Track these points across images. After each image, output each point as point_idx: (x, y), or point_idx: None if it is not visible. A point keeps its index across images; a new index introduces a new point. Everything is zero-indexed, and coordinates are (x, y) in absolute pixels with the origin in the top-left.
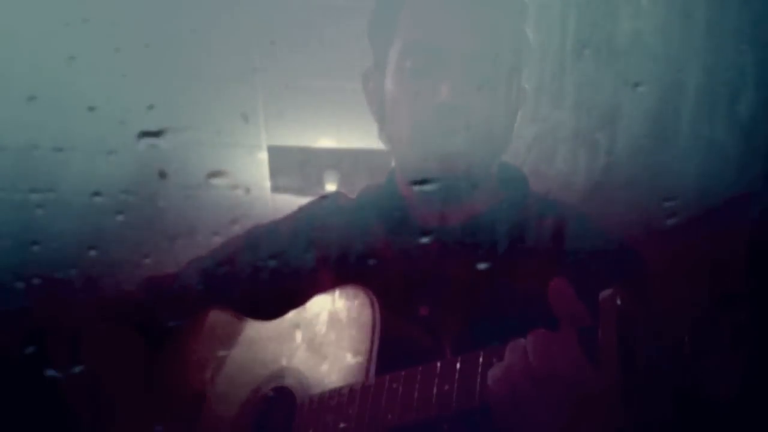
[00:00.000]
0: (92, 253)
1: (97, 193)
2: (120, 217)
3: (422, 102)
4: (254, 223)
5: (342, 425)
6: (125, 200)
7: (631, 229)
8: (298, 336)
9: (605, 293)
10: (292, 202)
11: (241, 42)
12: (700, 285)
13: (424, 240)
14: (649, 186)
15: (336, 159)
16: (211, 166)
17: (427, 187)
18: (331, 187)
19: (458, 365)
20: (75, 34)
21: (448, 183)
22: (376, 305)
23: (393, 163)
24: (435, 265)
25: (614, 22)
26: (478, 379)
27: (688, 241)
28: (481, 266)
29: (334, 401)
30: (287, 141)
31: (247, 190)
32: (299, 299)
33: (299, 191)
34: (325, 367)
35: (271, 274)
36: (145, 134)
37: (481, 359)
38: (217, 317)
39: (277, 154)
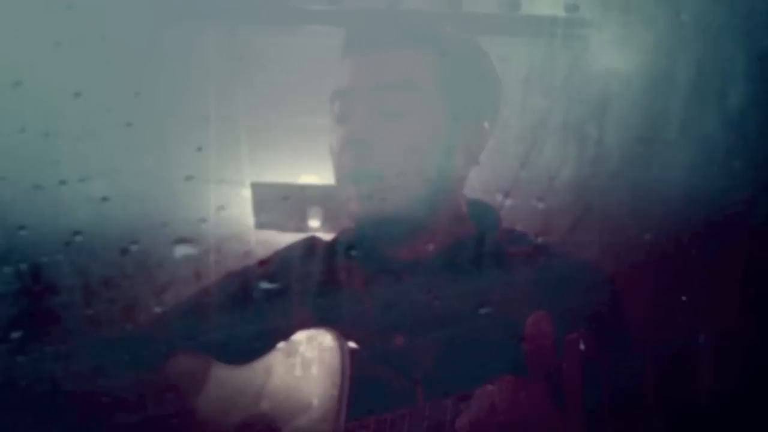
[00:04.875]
0: (78, 238)
1: (82, 179)
2: (106, 204)
3: (340, 144)
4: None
5: None
6: (111, 186)
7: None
8: (268, 382)
9: (569, 337)
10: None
11: (220, 79)
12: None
13: (395, 276)
14: (638, 179)
15: (320, 195)
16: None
17: (371, 231)
18: (314, 223)
19: (427, 412)
20: (60, 21)
21: (385, 224)
22: (346, 349)
23: None
24: (407, 298)
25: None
26: (447, 427)
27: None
28: (452, 300)
29: None
30: (270, 177)
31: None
32: (270, 344)
33: (282, 227)
34: (295, 414)
35: (243, 319)
36: None
37: (450, 406)
38: (186, 362)
39: (260, 191)
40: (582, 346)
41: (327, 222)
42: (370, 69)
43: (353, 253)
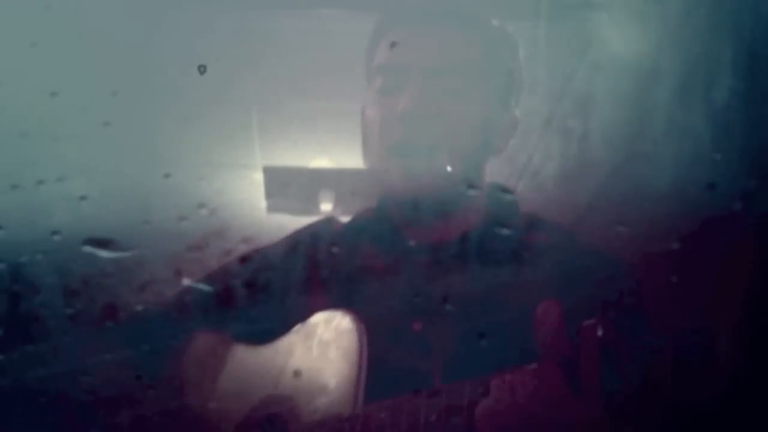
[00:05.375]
0: (56, 238)
1: (60, 179)
2: (84, 202)
3: (386, 116)
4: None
5: None
6: (89, 186)
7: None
8: (288, 362)
9: (586, 323)
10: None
11: (235, 62)
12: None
13: (415, 259)
14: (624, 175)
15: (331, 179)
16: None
17: (407, 208)
18: (326, 207)
19: (444, 395)
20: (37, 21)
21: (424, 201)
22: (364, 331)
23: None
24: (426, 283)
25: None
26: (465, 412)
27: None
28: (471, 283)
29: (324, 429)
30: (282, 161)
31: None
32: (288, 326)
33: (295, 211)
34: (313, 395)
35: (263, 299)
36: None
37: (467, 389)
38: (207, 341)
39: (272, 175)
40: (599, 332)
41: (339, 205)
42: (423, 46)
43: (371, 234)
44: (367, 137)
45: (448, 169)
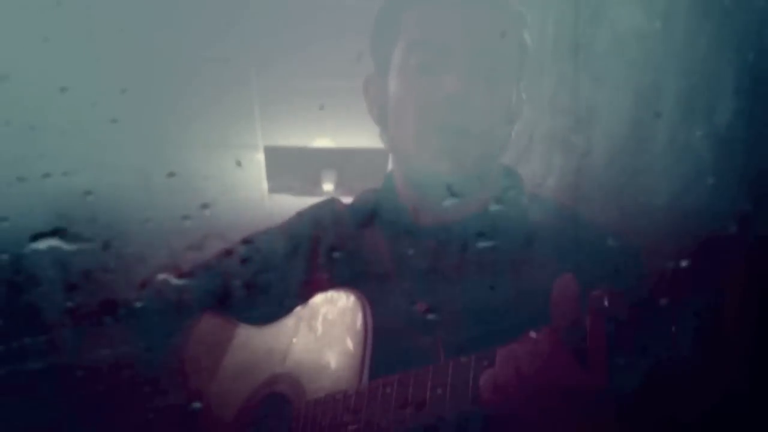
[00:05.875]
0: (60, 233)
1: (67, 173)
2: (90, 198)
3: (428, 96)
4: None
5: (338, 429)
6: (96, 182)
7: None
8: (291, 341)
9: (594, 294)
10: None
11: (236, 42)
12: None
13: (422, 240)
14: (624, 189)
15: (333, 159)
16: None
17: (433, 186)
18: (328, 186)
19: (450, 369)
20: (49, 17)
21: (454, 181)
22: (368, 308)
23: (390, 166)
24: (433, 263)
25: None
26: (471, 384)
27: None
28: (478, 264)
29: (329, 407)
30: (284, 141)
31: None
32: (293, 304)
33: (297, 191)
34: (318, 372)
35: (266, 279)
36: None
37: (473, 363)
38: (210, 322)
39: (274, 155)
40: (606, 303)
41: (341, 186)
42: (460, 22)
43: (376, 214)
44: (391, 117)
45: (484, 149)
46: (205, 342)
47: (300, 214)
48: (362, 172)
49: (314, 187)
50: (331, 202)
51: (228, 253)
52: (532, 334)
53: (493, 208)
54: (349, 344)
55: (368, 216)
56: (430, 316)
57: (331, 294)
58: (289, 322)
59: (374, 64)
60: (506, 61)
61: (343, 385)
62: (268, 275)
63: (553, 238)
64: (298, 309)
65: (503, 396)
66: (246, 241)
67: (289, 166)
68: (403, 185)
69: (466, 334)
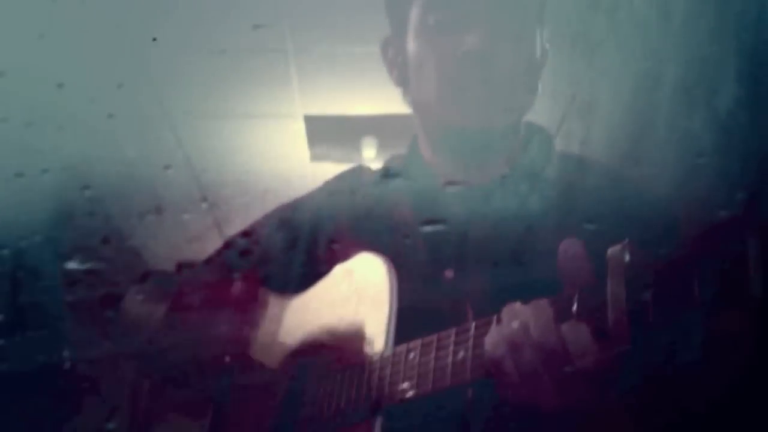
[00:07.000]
0: (58, 228)
1: (66, 168)
2: (87, 192)
3: (448, 54)
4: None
5: (362, 395)
6: (93, 176)
7: None
8: (319, 308)
9: (614, 248)
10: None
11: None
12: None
13: (448, 203)
14: (623, 176)
15: (373, 125)
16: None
17: (457, 145)
18: (369, 153)
19: (473, 332)
20: (45, 13)
21: (476, 140)
22: (394, 274)
23: (415, 131)
24: (459, 227)
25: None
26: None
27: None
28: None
29: (355, 372)
30: (323, 110)
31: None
32: (321, 272)
33: (338, 159)
34: (344, 337)
35: (295, 249)
36: None
37: (494, 324)
38: (242, 291)
39: (313, 123)
40: (627, 257)
41: (382, 152)
42: None
43: (402, 180)
44: (411, 78)
45: (509, 102)
46: (234, 308)
47: (327, 183)
48: (404, 138)
49: (356, 153)
50: (359, 169)
51: (257, 224)
52: (543, 299)
53: (521, 165)
54: (375, 309)
55: (394, 180)
56: (458, 278)
57: (357, 259)
58: (316, 288)
59: (390, 24)
60: (527, 11)
61: (368, 349)
62: (297, 245)
63: (584, 197)
64: (326, 275)
65: (508, 349)
66: (274, 213)
67: (330, 134)
68: (427, 147)
69: (492, 298)
